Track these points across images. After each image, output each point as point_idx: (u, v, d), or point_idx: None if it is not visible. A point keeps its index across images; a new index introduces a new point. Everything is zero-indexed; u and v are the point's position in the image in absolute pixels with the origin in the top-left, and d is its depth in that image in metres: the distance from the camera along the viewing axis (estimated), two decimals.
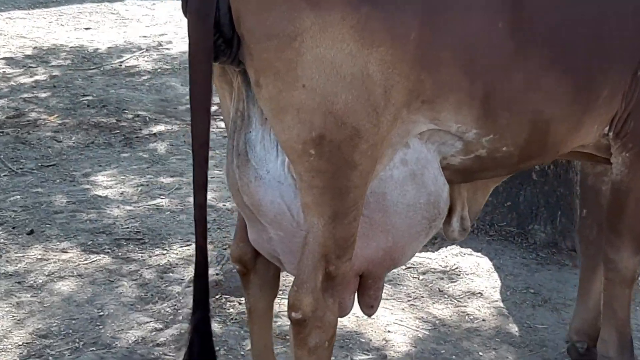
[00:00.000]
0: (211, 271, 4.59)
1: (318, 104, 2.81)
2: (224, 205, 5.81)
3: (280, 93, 2.83)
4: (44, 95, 7.88)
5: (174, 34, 10.35)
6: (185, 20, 2.88)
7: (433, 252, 5.26)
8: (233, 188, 3.21)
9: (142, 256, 5.06)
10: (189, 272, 4.73)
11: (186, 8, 2.86)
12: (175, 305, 4.53)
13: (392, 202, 3.08)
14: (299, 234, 3.03)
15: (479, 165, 3.22)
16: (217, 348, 3.51)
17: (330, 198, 2.91)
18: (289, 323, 3.08)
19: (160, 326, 4.34)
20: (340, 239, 2.95)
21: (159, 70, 8.92)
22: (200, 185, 2.98)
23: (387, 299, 4.66)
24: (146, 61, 9.21)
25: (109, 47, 9.66)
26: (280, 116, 2.87)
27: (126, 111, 7.57)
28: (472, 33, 2.93)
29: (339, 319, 3.15)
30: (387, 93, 2.87)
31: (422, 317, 4.61)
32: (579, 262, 4.65)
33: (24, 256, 4.98)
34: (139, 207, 5.73)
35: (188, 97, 2.98)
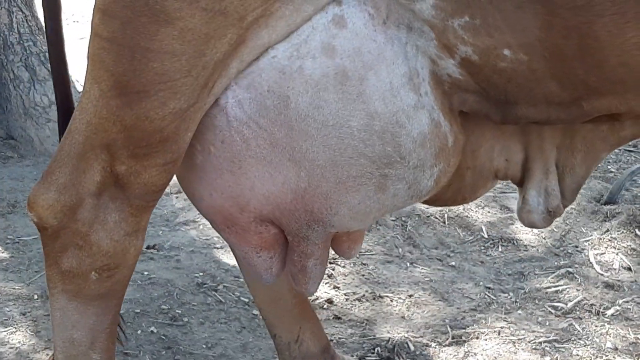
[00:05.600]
0: None
1: None
2: None
3: None
4: None
5: None
6: None
7: None
8: None
9: None
10: None
11: None
12: None
13: (298, 114, 1.79)
14: None
15: (489, 86, 1.78)
16: None
17: (114, 59, 1.74)
18: None
19: None
20: (134, 128, 1.79)
21: None
22: None
23: None
24: None
25: None
26: None
27: None
28: None
29: None
30: None
31: None
32: None
33: None
34: None
35: None
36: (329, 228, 1.94)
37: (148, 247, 3.58)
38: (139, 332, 3.05)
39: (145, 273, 3.38)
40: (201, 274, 3.40)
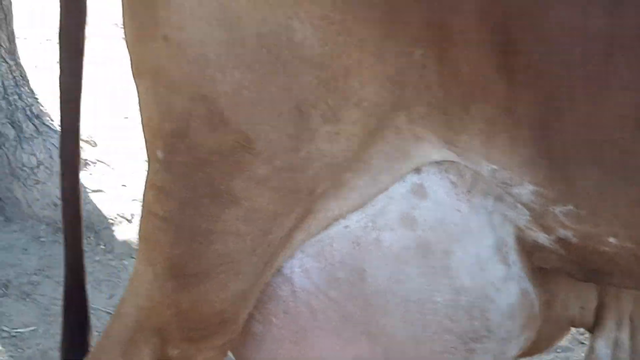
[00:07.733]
0: None
1: (185, 76, 1.49)
2: None
3: (138, 41, 1.56)
4: None
5: None
6: None
7: None
8: None
9: None
10: None
11: None
12: None
13: (376, 289, 1.65)
14: None
15: (584, 260, 1.64)
16: None
17: (172, 241, 1.59)
18: None
19: None
20: (191, 312, 1.63)
21: None
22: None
23: None
24: None
25: None
26: (138, 79, 1.60)
27: None
28: None
29: None
30: (339, 80, 1.46)
31: None
32: None
33: None
34: None
35: None
36: None
37: None
38: None
39: None
40: None
